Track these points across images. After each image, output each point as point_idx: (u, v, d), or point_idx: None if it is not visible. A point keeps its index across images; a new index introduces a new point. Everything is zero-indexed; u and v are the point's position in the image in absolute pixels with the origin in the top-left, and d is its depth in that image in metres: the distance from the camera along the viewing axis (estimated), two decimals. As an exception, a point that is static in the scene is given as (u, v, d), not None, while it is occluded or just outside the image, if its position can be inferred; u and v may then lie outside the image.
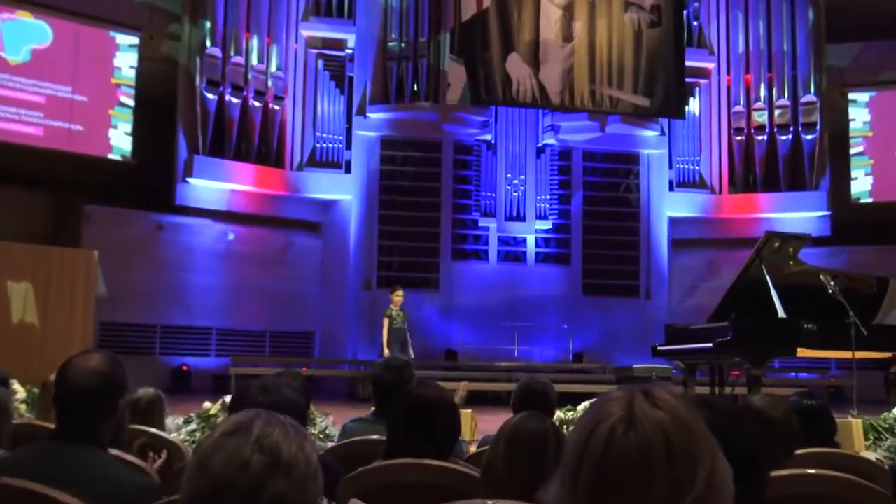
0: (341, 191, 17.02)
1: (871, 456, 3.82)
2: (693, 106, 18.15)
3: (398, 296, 11.77)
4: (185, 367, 15.72)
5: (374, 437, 3.37)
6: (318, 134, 17.00)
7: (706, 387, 10.31)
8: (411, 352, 11.63)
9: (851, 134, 18.01)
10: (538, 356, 17.23)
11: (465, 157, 17.58)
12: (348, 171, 17.05)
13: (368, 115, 17.09)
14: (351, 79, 17.21)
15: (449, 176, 17.47)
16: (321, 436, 6.03)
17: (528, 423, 2.35)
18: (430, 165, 17.46)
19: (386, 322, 11.61)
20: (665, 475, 1.14)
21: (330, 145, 17.01)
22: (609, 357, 16.46)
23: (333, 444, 3.95)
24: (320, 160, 16.97)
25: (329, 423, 6.40)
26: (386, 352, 11.20)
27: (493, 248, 17.48)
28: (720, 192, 18.18)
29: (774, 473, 2.63)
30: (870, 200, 17.82)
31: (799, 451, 3.12)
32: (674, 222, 18.05)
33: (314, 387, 15.69)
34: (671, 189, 18.04)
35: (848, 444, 5.58)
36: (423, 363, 16.32)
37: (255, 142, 16.49)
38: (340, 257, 17.03)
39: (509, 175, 17.29)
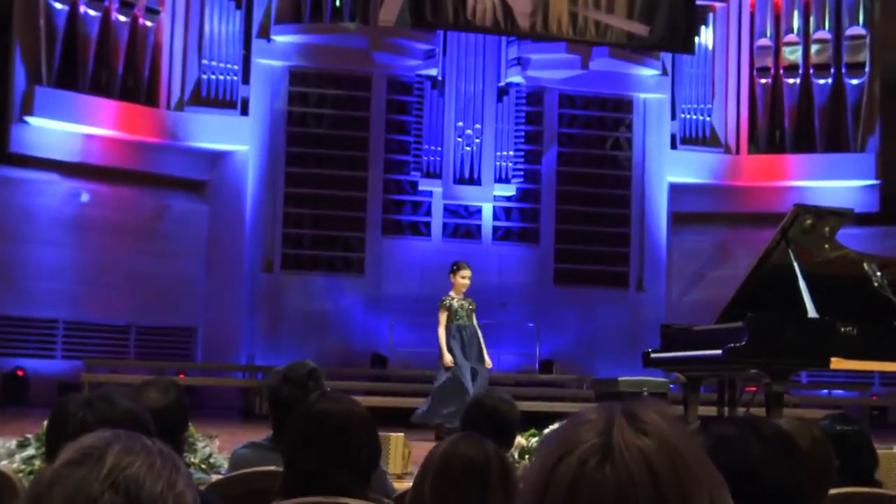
0: (235, 139, 16.89)
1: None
2: (705, 37, 18.31)
3: (463, 277, 10.82)
4: (20, 373, 15.53)
5: (272, 467, 3.37)
6: (205, 62, 16.83)
7: (713, 406, 10.46)
8: (486, 358, 11.09)
9: (909, 79, 18.30)
10: (494, 363, 17.22)
11: (402, 99, 17.55)
12: (245, 112, 16.93)
13: (273, 38, 16.96)
14: (251, -12, 17.09)
15: (380, 123, 17.43)
16: (203, 466, 6.02)
17: (462, 449, 2.36)
18: (354, 108, 17.40)
19: (443, 317, 10.82)
20: None
21: (221, 77, 16.85)
22: (587, 366, 16.62)
23: (221, 476, 3.92)
24: (207, 97, 16.81)
25: (214, 450, 6.38)
26: (447, 359, 10.61)
27: (436, 221, 17.51)
28: (737, 153, 18.40)
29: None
30: (930, 167, 18.15)
31: (832, 491, 3.18)
32: (676, 190, 18.23)
33: (195, 401, 15.63)
34: (673, 147, 18.22)
35: (893, 481, 5.71)
36: (341, 371, 16.36)
37: (119, 70, 16.27)
38: (233, 228, 16.93)
39: (460, 123, 17.31)
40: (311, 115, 17.41)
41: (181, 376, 15.85)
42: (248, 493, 3.39)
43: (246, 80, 17.02)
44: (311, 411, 2.86)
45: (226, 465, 4.80)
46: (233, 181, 17.08)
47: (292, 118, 17.28)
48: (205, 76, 16.80)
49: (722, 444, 2.12)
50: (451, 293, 10.87)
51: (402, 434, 5.68)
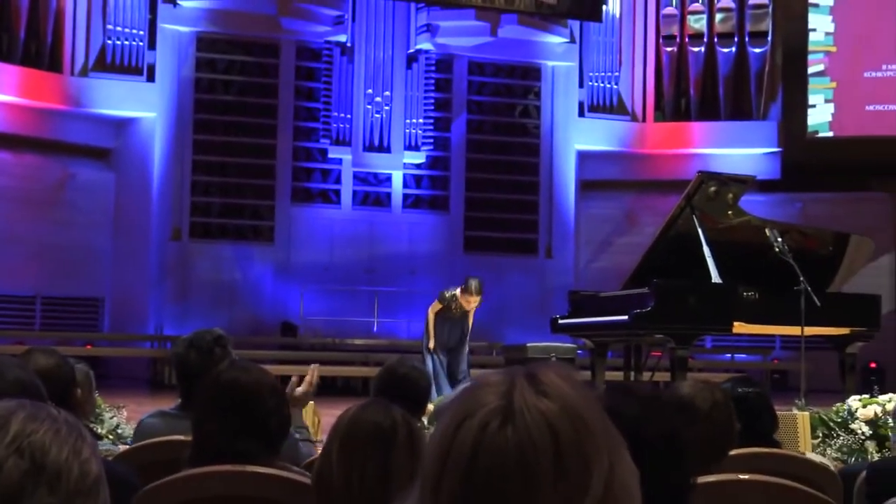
0: (141, 106, 16.65)
1: (817, 458, 4.01)
2: (612, 6, 18.43)
3: (468, 302, 10.81)
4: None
5: (180, 437, 3.34)
6: (110, 27, 16.53)
7: (619, 371, 10.62)
8: (462, 355, 11.09)
9: (810, 49, 18.64)
10: (405, 332, 17.38)
11: (311, 65, 17.44)
12: (151, 78, 16.68)
13: (179, 3, 16.73)
14: (156, -48, 16.80)
15: (289, 89, 17.30)
16: (110, 436, 5.97)
17: (368, 415, 2.37)
18: (263, 74, 17.25)
19: (437, 305, 10.86)
20: (551, 480, 1.15)
21: (126, 43, 16.57)
22: (498, 333, 16.73)
23: (127, 446, 3.89)
24: (112, 63, 16.52)
25: (122, 420, 6.34)
26: (431, 341, 10.74)
27: (346, 188, 17.46)
28: (643, 120, 18.60)
29: (701, 479, 2.74)
30: (830, 135, 18.54)
31: (734, 452, 3.25)
32: (584, 158, 18.38)
33: (103, 371, 15.44)
34: (581, 114, 18.35)
35: (792, 441, 5.86)
36: (250, 340, 16.28)
37: (21, 35, 15.93)
38: (140, 197, 16.72)
39: (370, 90, 17.25)
40: (219, 82, 17.23)
41: (88, 347, 15.68)
42: (156, 463, 3.36)
43: (152, 45, 16.75)
44: (220, 380, 2.84)
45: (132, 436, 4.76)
46: (139, 149, 16.84)
47: (200, 85, 17.07)
48: (109, 41, 16.50)
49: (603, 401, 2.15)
50: (457, 294, 10.81)
51: (311, 402, 5.67)
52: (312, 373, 4.14)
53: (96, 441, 1.45)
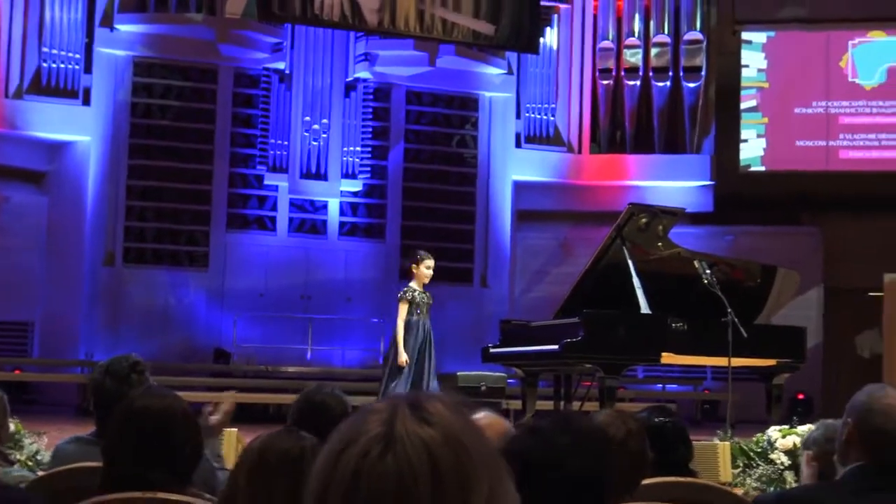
0: (76, 129, 16.50)
1: (734, 488, 4.05)
2: (550, 38, 18.59)
3: (427, 268, 9.99)
4: None
5: (94, 463, 3.30)
6: (46, 50, 16.39)
7: (550, 400, 10.65)
8: (430, 362, 10.13)
9: (743, 84, 18.94)
10: (339, 359, 17.34)
11: (248, 92, 17.38)
12: (87, 102, 16.55)
13: (117, 27, 16.62)
14: (93, -24, 16.70)
15: (226, 116, 17.24)
16: (30, 462, 5.87)
17: (277, 443, 2.36)
18: (200, 100, 17.16)
19: (403, 309, 9.91)
20: None
21: (62, 66, 16.43)
22: (435, 361, 16.67)
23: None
24: (47, 86, 16.37)
25: (41, 446, 6.24)
26: (402, 358, 9.77)
27: (282, 215, 17.40)
28: (579, 152, 18.74)
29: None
30: (762, 169, 18.81)
31: (646, 481, 3.27)
32: (520, 188, 18.47)
33: (33, 396, 15.23)
34: (518, 145, 18.45)
35: (712, 471, 5.90)
36: (183, 367, 16.14)
37: (-46, 56, 15.76)
38: (73, 221, 16.55)
39: (308, 118, 17.23)
40: (156, 107, 17.11)
41: (17, 372, 15.44)
42: (70, 489, 3.32)
43: (88, 69, 16.62)
44: (131, 407, 2.82)
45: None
46: (74, 172, 16.68)
47: (136, 109, 16.96)
48: (45, 64, 16.36)
49: (532, 433, 2.18)
50: (412, 284, 10.03)
51: (235, 429, 5.62)
52: (228, 401, 4.11)
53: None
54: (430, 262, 10.00)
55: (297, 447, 2.37)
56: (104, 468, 2.81)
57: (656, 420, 3.58)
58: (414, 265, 10.04)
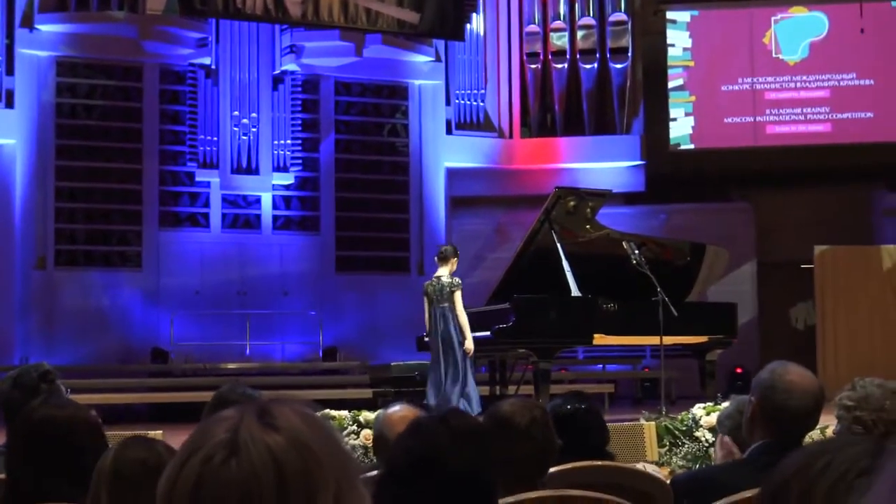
0: (0, 133, 16.26)
1: (651, 468, 4.08)
2: (476, 24, 18.59)
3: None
4: None
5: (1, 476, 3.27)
6: (-34, 53, 16.15)
7: (486, 386, 10.69)
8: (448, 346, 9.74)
9: (669, 63, 19.08)
10: (279, 353, 17.28)
11: (175, 88, 17.23)
12: (10, 104, 16.32)
13: (38, 27, 16.39)
14: (11, -24, 16.46)
15: (154, 113, 17.07)
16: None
17: (131, 454, 2.34)
18: (126, 98, 16.98)
19: (460, 297, 9.71)
20: None
21: (-18, 69, 16.20)
22: (371, 352, 16.72)
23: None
24: (-31, 90, 16.14)
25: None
26: (470, 345, 9.46)
27: (215, 211, 17.27)
28: (510, 137, 18.79)
29: (513, 498, 2.78)
30: (691, 147, 18.98)
31: (559, 468, 3.30)
32: (453, 175, 18.48)
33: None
34: (449, 132, 18.45)
35: (639, 451, 5.96)
36: (120, 368, 16.02)
37: None
38: (2, 225, 16.32)
39: (236, 112, 17.12)
40: (81, 107, 16.90)
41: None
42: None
43: (10, 71, 16.37)
44: (33, 418, 2.79)
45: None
46: (0, 176, 16.44)
47: (61, 110, 16.73)
48: (-34, 67, 16.12)
49: (414, 431, 2.19)
50: (454, 266, 9.83)
51: (160, 431, 5.59)
52: None
53: None
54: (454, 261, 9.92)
55: (154, 454, 2.35)
56: (7, 482, 2.77)
57: (569, 406, 3.60)
58: (456, 258, 9.90)
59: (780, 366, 3.17)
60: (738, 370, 17.01)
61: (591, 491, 3.11)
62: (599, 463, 3.50)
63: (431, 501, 2.05)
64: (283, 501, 1.19)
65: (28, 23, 16.40)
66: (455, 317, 9.53)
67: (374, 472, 2.51)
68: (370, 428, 6.27)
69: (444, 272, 9.77)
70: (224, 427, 1.23)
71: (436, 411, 2.87)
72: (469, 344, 9.41)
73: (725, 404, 6.97)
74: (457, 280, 9.70)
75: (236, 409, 1.27)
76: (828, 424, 7.03)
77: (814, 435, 6.84)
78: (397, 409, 3.58)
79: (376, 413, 4.63)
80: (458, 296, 9.59)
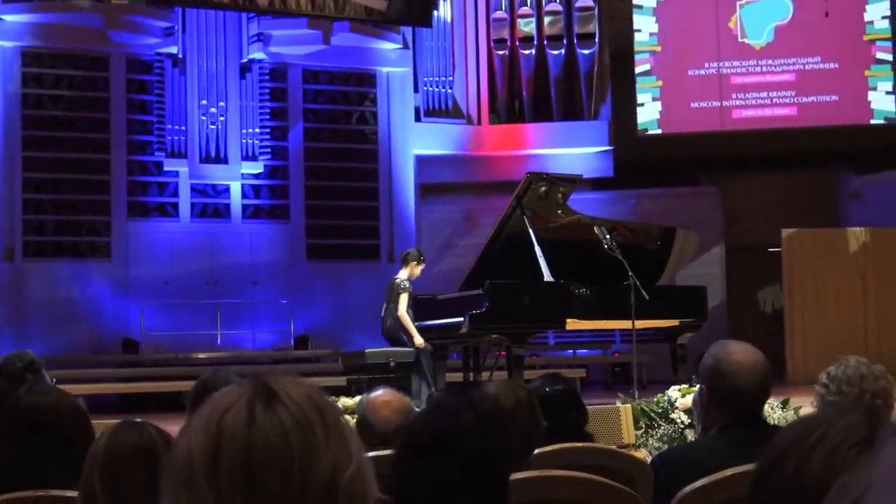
0: (-34, 124, 16.16)
1: (642, 452, 4.14)
2: (443, 11, 18.59)
3: (422, 270, 10.58)
4: None
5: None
6: (-71, 44, 16.01)
7: (460, 372, 10.74)
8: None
9: (636, 49, 19.14)
10: (250, 342, 17.26)
11: (142, 78, 17.14)
12: (-25, 96, 16.21)
13: (2, 17, 16.26)
14: (-25, -34, 16.31)
15: (121, 103, 16.98)
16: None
17: (122, 438, 2.36)
18: (93, 88, 16.89)
19: (405, 299, 10.18)
20: (325, 447, 1.28)
21: (-53, 60, 16.07)
22: (343, 339, 16.73)
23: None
24: (-67, 81, 16.01)
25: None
26: (419, 340, 9.85)
27: (184, 201, 17.22)
28: (479, 123, 18.82)
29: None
30: (659, 132, 19.07)
31: (541, 450, 3.34)
32: (422, 162, 18.50)
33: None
34: (418, 119, 18.46)
35: (616, 433, 6.02)
36: (91, 359, 15.96)
37: None
38: (-32, 217, 16.23)
39: (204, 102, 17.05)
40: (48, 97, 16.78)
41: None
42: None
43: (-25, 62, 16.27)
44: (19, 406, 2.80)
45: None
46: (-34, 168, 16.34)
47: (27, 100, 16.61)
48: (-71, 59, 15.98)
49: (435, 412, 2.23)
50: (409, 281, 10.32)
51: (138, 420, 5.60)
52: None
53: None
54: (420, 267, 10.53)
55: (145, 436, 2.38)
56: (-6, 469, 2.79)
57: (548, 389, 3.65)
58: (416, 263, 10.48)
59: (720, 349, 3.24)
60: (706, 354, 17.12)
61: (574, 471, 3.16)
62: (581, 445, 3.55)
63: (450, 480, 2.09)
64: (329, 435, 1.28)
65: (-8, 13, 16.28)
66: (396, 317, 10.06)
67: (374, 454, 2.54)
68: (349, 413, 6.30)
69: (402, 274, 10.37)
70: (240, 390, 1.31)
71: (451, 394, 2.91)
72: (418, 340, 9.80)
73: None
74: (406, 283, 10.18)
75: (241, 384, 1.32)
76: (800, 405, 7.16)
77: (787, 416, 6.93)
78: (380, 394, 3.61)
79: (359, 398, 4.66)
80: (403, 298, 10.07)
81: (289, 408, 1.28)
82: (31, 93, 16.63)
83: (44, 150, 16.60)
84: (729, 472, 2.83)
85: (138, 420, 2.45)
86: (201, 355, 16.19)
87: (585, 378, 15.91)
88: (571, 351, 17.68)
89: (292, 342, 17.14)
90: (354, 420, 3.67)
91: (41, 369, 3.86)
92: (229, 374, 4.00)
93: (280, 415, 1.27)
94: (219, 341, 16.73)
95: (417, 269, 10.37)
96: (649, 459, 4.06)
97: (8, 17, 16.28)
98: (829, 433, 1.34)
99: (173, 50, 17.07)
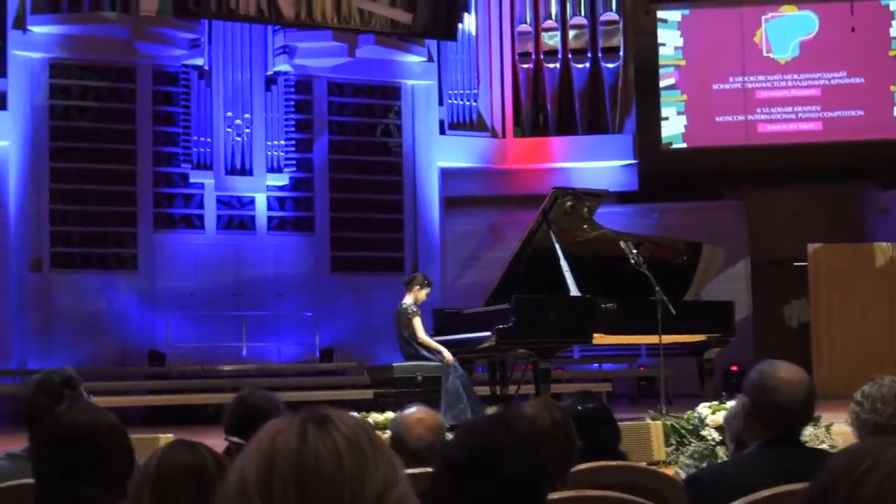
0: (-6, 135, 16.27)
1: (672, 470, 4.13)
2: (468, 24, 18.63)
3: (427, 295, 10.44)
4: None
5: (29, 480, 3.29)
6: (-41, 56, 16.14)
7: (486, 386, 10.73)
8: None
9: (661, 63, 19.13)
10: (275, 355, 17.28)
11: (168, 89, 17.24)
12: (3, 107, 16.30)
13: (30, 28, 16.38)
14: (4, -22, 16.44)
15: (147, 114, 17.08)
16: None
17: (175, 457, 2.38)
18: (119, 100, 16.98)
19: (419, 322, 10.09)
20: (375, 469, 1.34)
21: (-24, 72, 16.19)
22: (368, 352, 16.73)
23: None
24: (-38, 93, 16.13)
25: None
26: (448, 355, 9.73)
27: (209, 213, 17.29)
28: (503, 136, 18.83)
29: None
30: (683, 146, 19.04)
31: (575, 468, 3.34)
32: (446, 175, 18.52)
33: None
34: (442, 132, 18.48)
35: (646, 450, 6.00)
36: (118, 370, 16.02)
37: None
38: (-4, 228, 16.32)
39: (230, 113, 17.13)
40: (75, 108, 16.89)
41: (-54, 384, 15.22)
42: (2, 507, 3.32)
43: (3, 73, 16.36)
44: (57, 424, 2.82)
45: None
46: (-6, 179, 16.44)
47: (55, 112, 16.72)
48: (-42, 70, 16.11)
49: (472, 431, 2.24)
50: (416, 306, 10.21)
51: (170, 435, 5.61)
52: None
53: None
54: (426, 291, 10.37)
55: (197, 457, 2.40)
56: (35, 487, 2.81)
57: (580, 407, 3.64)
58: (420, 288, 10.29)
59: (768, 365, 3.25)
60: (734, 368, 17.06)
61: (606, 491, 3.16)
62: (616, 463, 3.55)
63: (487, 501, 2.10)
64: (378, 457, 1.34)
65: (20, 24, 16.39)
66: (419, 343, 9.93)
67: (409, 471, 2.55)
68: (380, 429, 6.32)
69: (407, 299, 10.23)
70: (292, 419, 1.37)
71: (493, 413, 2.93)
72: (447, 355, 9.69)
73: (731, 402, 7.05)
74: (413, 308, 10.08)
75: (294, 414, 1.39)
76: (832, 422, 7.12)
77: (819, 433, 6.90)
78: (413, 412, 3.62)
79: (389, 414, 4.67)
80: (417, 322, 9.98)
81: (342, 430, 1.34)
82: (59, 104, 16.74)
83: (71, 162, 16.70)
84: (766, 492, 2.83)
85: (193, 442, 2.47)
86: (227, 367, 16.24)
87: (611, 392, 15.86)
88: (597, 364, 17.65)
89: (317, 355, 17.16)
90: (386, 437, 3.68)
91: (79, 385, 3.87)
92: (264, 392, 4.02)
93: (333, 436, 1.33)
94: (244, 353, 16.77)
95: (422, 293, 10.20)
96: (681, 476, 4.05)
97: (36, 29, 16.40)
98: (880, 462, 1.36)
99: (199, 62, 17.16)
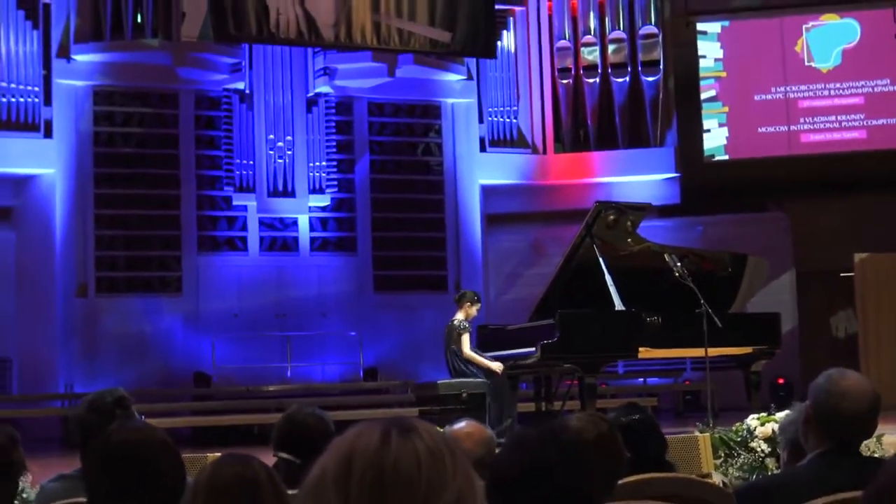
0: (40, 162, 16.45)
1: (717, 478, 4.12)
2: (507, 41, 18.67)
3: (477, 310, 10.67)
4: None
5: (81, 500, 3.33)
6: (4, 84, 16.33)
7: (531, 402, 10.71)
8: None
9: (702, 75, 19.08)
10: (319, 374, 17.34)
11: (210, 114, 17.38)
12: (48, 135, 16.51)
13: (74, 57, 16.58)
14: (47, 7, 16.64)
15: (189, 139, 17.23)
16: (16, 502, 5.87)
17: (228, 469, 2.40)
18: (162, 125, 17.15)
19: (467, 338, 10.34)
20: (453, 477, 1.39)
21: (21, 100, 16.38)
22: (412, 371, 16.73)
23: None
24: (8, 121, 16.32)
25: (27, 484, 6.23)
26: (497, 365, 9.89)
27: (253, 235, 17.40)
28: (544, 152, 18.82)
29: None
30: (725, 158, 18.96)
31: (622, 480, 3.33)
32: (488, 192, 18.54)
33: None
34: (483, 149, 18.52)
35: (695, 463, 5.97)
36: (163, 392, 16.12)
37: (-88, 97, 15.69)
38: (43, 254, 16.49)
39: (271, 136, 17.24)
40: (119, 135, 17.07)
41: (-4, 410, 15.37)
42: (56, 528, 3.36)
43: (48, 101, 16.57)
44: (109, 442, 2.85)
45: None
46: (40, 206, 16.62)
47: (99, 138, 16.91)
48: (4, 99, 16.31)
49: (520, 445, 2.24)
50: (467, 321, 10.41)
51: (218, 454, 5.65)
52: None
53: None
54: (476, 307, 10.59)
55: (250, 469, 2.42)
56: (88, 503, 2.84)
57: (624, 419, 3.64)
58: (470, 304, 10.52)
59: (836, 371, 3.20)
60: (780, 381, 16.95)
61: (657, 502, 3.15)
62: (664, 475, 3.54)
63: None
64: (456, 465, 1.39)
65: (64, 53, 16.61)
66: (465, 359, 10.11)
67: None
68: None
69: (459, 315, 10.40)
70: (377, 425, 1.43)
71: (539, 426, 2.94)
72: (495, 366, 9.80)
73: (780, 414, 7.00)
74: (465, 324, 10.27)
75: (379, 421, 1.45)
76: (883, 433, 7.05)
77: (870, 444, 6.84)
78: (463, 426, 3.62)
79: (440, 430, 4.67)
80: (465, 338, 10.17)
81: (424, 439, 1.39)
82: (103, 131, 16.92)
83: (115, 187, 16.86)
84: (819, 501, 2.81)
85: (245, 455, 2.49)
86: (271, 388, 16.29)
87: (657, 406, 15.77)
88: (642, 379, 17.55)
89: (361, 374, 17.20)
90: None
91: (130, 405, 3.92)
92: (314, 409, 4.04)
93: (415, 443, 1.38)
94: (289, 374, 16.84)
95: (473, 310, 10.39)
96: (728, 489, 4.03)
97: (79, 58, 16.60)
98: None
99: (240, 86, 17.30)
